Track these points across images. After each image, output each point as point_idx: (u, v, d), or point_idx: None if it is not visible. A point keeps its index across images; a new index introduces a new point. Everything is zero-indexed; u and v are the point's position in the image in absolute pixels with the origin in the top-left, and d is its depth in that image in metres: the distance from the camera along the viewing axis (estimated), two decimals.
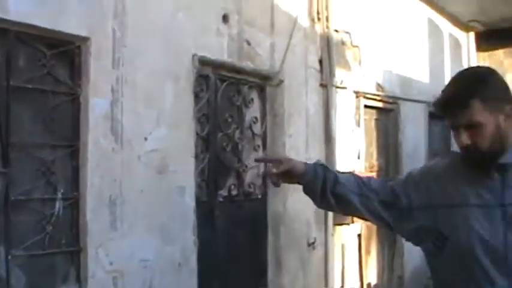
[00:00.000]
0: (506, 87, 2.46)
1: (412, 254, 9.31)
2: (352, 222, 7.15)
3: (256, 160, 2.72)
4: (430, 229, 2.52)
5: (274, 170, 2.60)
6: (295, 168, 2.62)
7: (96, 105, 4.19)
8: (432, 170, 2.68)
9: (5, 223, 3.77)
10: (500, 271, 2.37)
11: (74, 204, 4.15)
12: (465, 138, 2.36)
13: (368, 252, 8.28)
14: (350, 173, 2.84)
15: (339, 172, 2.74)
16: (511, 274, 2.37)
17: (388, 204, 2.64)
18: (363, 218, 2.78)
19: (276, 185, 2.67)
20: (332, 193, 2.65)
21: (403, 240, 8.20)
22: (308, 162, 2.70)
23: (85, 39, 4.12)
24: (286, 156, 3.04)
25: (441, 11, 11.39)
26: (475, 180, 2.44)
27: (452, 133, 2.47)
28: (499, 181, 2.42)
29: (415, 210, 2.57)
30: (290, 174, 2.61)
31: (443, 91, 2.48)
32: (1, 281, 3.74)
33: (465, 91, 2.39)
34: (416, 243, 2.67)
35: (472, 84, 2.42)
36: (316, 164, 2.69)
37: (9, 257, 3.76)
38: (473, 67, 3.01)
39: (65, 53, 4.11)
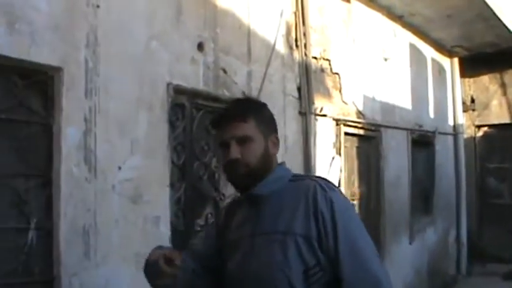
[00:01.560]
0: (274, 120, 2.82)
1: (395, 282, 9.40)
2: None
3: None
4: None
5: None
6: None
7: (69, 135, 4.29)
8: (227, 207, 2.98)
9: None
10: None
11: (48, 234, 4.23)
12: (236, 152, 2.60)
13: None
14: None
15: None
16: None
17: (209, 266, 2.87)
18: None
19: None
20: None
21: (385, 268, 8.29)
22: None
23: (57, 69, 4.23)
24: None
25: (424, 36, 11.56)
26: (242, 212, 2.71)
27: (221, 152, 2.71)
28: (254, 212, 2.65)
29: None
30: None
31: (222, 109, 2.84)
32: None
33: (244, 108, 2.73)
34: None
35: (250, 105, 2.79)
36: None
37: None
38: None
39: (37, 83, 4.22)
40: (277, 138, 2.77)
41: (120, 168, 4.65)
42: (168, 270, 2.48)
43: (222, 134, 2.67)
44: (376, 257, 2.56)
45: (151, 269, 2.64)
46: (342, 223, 2.48)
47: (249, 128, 2.62)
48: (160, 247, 2.86)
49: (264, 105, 2.85)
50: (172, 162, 5.28)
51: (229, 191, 6.15)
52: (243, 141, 2.60)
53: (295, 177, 2.74)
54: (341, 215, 2.50)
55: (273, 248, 2.50)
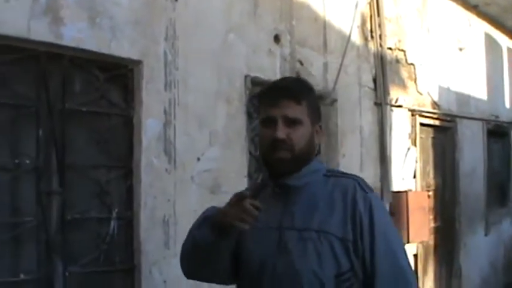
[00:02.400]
0: (320, 108, 2.57)
1: (470, 274, 9.20)
2: (409, 242, 7.09)
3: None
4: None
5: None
6: None
7: (149, 126, 4.30)
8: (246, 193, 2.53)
9: (62, 241, 3.89)
10: None
11: (128, 224, 4.25)
12: (283, 132, 2.34)
13: (425, 272, 8.19)
14: None
15: None
16: None
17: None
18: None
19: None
20: None
21: (461, 259, 8.09)
22: None
23: (137, 63, 4.24)
24: None
25: (499, 26, 11.25)
26: (264, 200, 2.37)
27: (263, 129, 2.43)
28: (282, 203, 2.40)
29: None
30: None
31: (274, 83, 2.55)
32: None
33: (301, 89, 2.46)
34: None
35: (305, 87, 2.52)
36: None
37: (67, 274, 3.88)
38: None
39: (118, 76, 4.24)
40: (321, 128, 2.52)
41: (199, 159, 4.63)
42: (255, 212, 2.19)
43: (269, 109, 2.39)
44: (411, 267, 2.41)
45: (229, 212, 2.25)
46: (380, 229, 2.31)
47: (302, 110, 2.38)
48: (214, 207, 2.56)
49: (314, 90, 2.59)
50: (250, 153, 5.23)
51: None
52: (293, 123, 2.36)
53: (331, 173, 2.51)
54: (379, 219, 2.33)
55: (305, 246, 2.30)
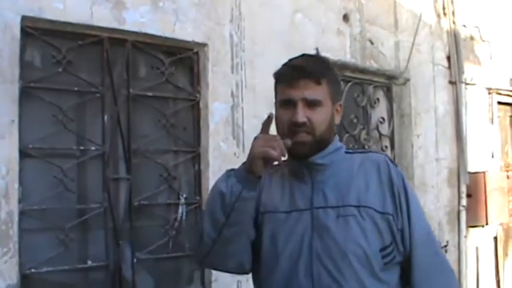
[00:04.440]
0: (341, 86, 2.45)
1: None
2: (487, 224, 6.82)
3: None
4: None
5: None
6: None
7: (216, 110, 4.20)
8: (268, 178, 2.42)
9: (129, 227, 3.84)
10: (307, 279, 2.21)
11: (197, 209, 4.16)
12: (303, 115, 2.20)
13: (505, 255, 7.89)
14: None
15: None
16: (316, 283, 2.20)
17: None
18: None
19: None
20: None
21: None
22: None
23: (202, 46, 4.14)
24: None
25: None
26: (291, 185, 2.31)
27: (281, 110, 2.29)
28: (310, 184, 2.29)
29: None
30: None
31: (291, 61, 2.34)
32: (127, 283, 3.81)
33: (320, 68, 2.30)
34: None
35: (325, 65, 2.36)
36: None
37: (135, 260, 3.84)
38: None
39: (183, 59, 4.15)
40: (341, 107, 2.38)
41: None
42: (286, 143, 2.12)
43: (288, 90, 2.25)
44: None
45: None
46: (413, 202, 2.30)
47: (322, 91, 2.25)
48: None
49: (333, 67, 2.43)
50: None
51: None
52: (313, 104, 2.23)
53: (352, 150, 2.46)
54: (411, 193, 2.31)
55: (347, 222, 2.20)
